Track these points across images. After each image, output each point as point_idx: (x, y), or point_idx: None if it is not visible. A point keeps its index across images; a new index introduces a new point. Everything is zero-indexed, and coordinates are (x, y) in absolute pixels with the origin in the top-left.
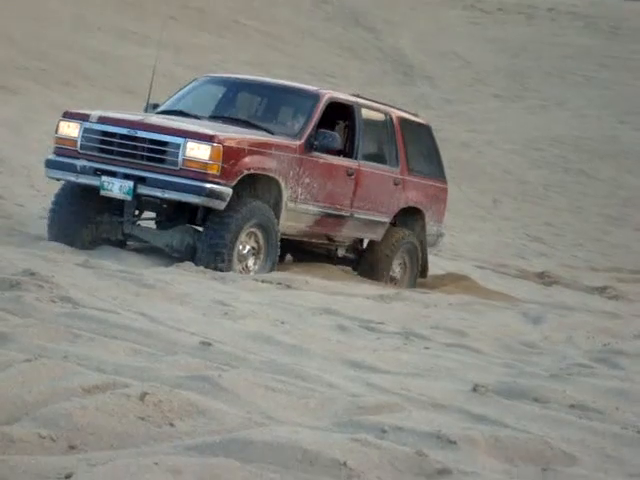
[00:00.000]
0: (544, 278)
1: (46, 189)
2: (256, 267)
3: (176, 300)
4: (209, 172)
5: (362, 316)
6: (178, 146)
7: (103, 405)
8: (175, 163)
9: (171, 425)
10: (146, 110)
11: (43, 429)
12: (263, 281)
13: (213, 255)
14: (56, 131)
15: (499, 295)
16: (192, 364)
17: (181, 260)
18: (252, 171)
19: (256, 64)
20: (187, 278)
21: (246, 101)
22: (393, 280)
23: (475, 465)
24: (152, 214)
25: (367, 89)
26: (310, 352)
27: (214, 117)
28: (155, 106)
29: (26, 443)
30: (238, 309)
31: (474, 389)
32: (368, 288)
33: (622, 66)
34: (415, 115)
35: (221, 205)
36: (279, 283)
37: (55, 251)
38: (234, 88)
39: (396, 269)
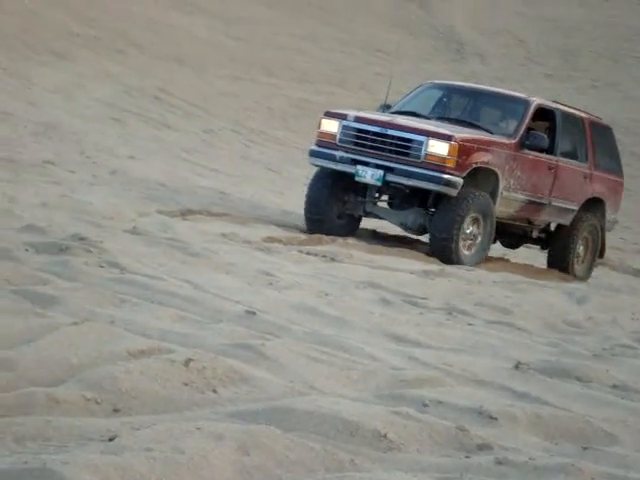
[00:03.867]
0: None
1: (96, 156)
2: (476, 245)
3: (221, 269)
4: (446, 165)
5: (406, 291)
6: (421, 143)
7: (147, 370)
8: (418, 157)
9: (214, 391)
10: (382, 110)
11: (88, 392)
12: (308, 253)
13: (444, 235)
14: (318, 127)
15: (546, 273)
16: (236, 332)
17: (224, 234)
18: (479, 165)
19: (307, 38)
20: (233, 247)
21: (465, 104)
22: (577, 257)
23: (515, 441)
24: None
25: (419, 65)
26: (353, 324)
27: (441, 118)
28: (388, 107)
29: (71, 405)
30: (282, 280)
31: (516, 366)
32: (412, 263)
33: None
34: (600, 119)
35: (454, 192)
36: (324, 256)
37: (104, 217)
38: (455, 93)
39: (580, 248)
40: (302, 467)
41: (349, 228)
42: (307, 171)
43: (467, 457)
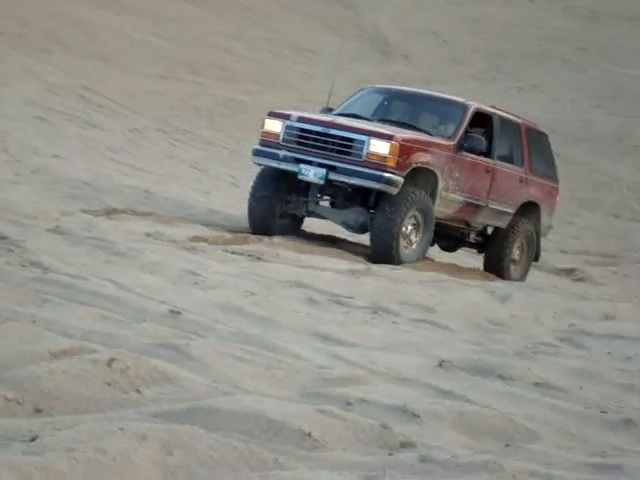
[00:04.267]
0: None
1: (19, 154)
2: (415, 243)
3: (146, 268)
4: (387, 164)
5: (332, 290)
6: (363, 142)
7: (70, 370)
8: (360, 156)
9: (137, 391)
10: (325, 113)
11: (9, 392)
12: (234, 252)
13: (385, 233)
14: (262, 127)
15: (470, 272)
16: (160, 332)
17: (149, 233)
18: (419, 164)
19: (235, 37)
20: (158, 247)
21: (406, 108)
22: (513, 261)
23: (439, 439)
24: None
25: (345, 66)
26: (279, 324)
27: (382, 120)
28: (329, 109)
29: None
30: (208, 279)
31: (440, 364)
32: (339, 262)
33: (599, 50)
34: (536, 125)
35: (394, 191)
36: (250, 255)
37: (27, 216)
38: (395, 97)
39: (515, 252)
40: (226, 467)
41: (292, 228)
42: (233, 170)
43: (390, 455)
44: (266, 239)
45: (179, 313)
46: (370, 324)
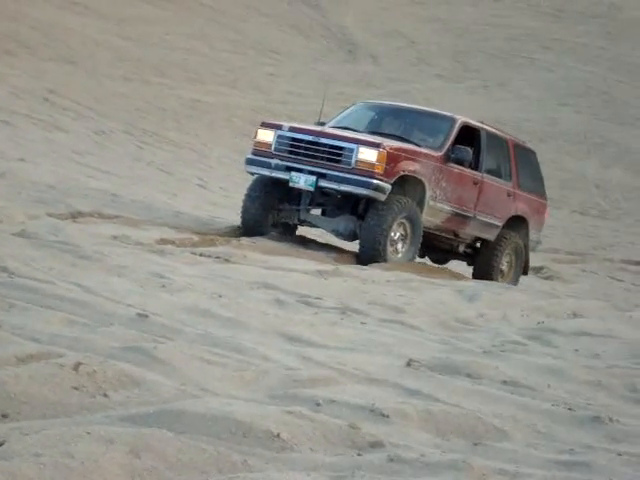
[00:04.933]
0: None
1: None
2: (403, 250)
3: (113, 272)
4: (375, 171)
5: (300, 291)
6: (352, 150)
7: (37, 374)
8: (349, 163)
9: (105, 395)
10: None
11: None
12: (201, 254)
13: (373, 239)
14: (254, 136)
15: (438, 271)
16: (127, 335)
17: (116, 236)
18: (406, 173)
19: (199, 38)
20: (125, 250)
21: (396, 122)
22: (501, 273)
23: (407, 438)
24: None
25: (311, 66)
26: (247, 325)
27: (372, 132)
28: (322, 124)
29: None
30: (175, 282)
31: (408, 364)
32: (307, 263)
33: (565, 49)
34: (524, 142)
35: (382, 197)
36: (217, 257)
37: None
38: (386, 111)
39: (504, 264)
40: (194, 469)
41: (284, 236)
42: (200, 172)
43: (359, 455)
44: (234, 241)
45: (146, 316)
46: (339, 325)
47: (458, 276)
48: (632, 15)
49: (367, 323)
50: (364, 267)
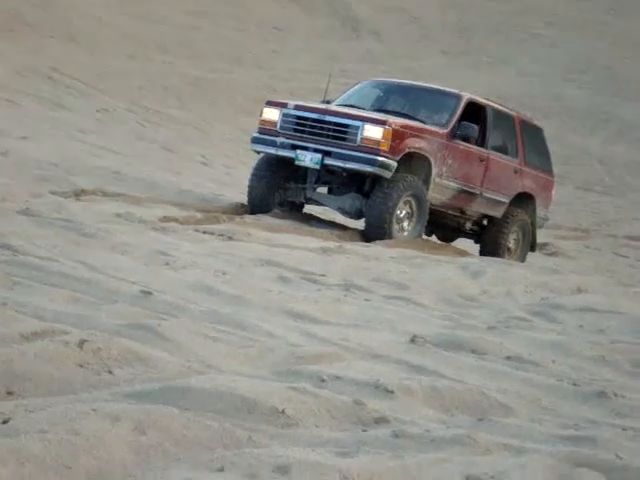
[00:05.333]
0: None
1: None
2: (409, 228)
3: (117, 249)
4: (381, 148)
5: (304, 268)
6: (357, 128)
7: (42, 352)
8: (354, 141)
9: (110, 372)
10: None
11: None
12: (205, 232)
13: (378, 217)
14: (260, 115)
15: (442, 248)
16: (132, 313)
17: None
18: (412, 150)
19: (202, 15)
20: (128, 228)
21: (402, 99)
22: (508, 250)
23: (412, 414)
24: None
25: (314, 43)
26: (251, 302)
27: (378, 110)
28: (327, 102)
29: None
30: (179, 259)
31: (413, 340)
32: (310, 241)
33: (568, 24)
34: (531, 119)
35: (388, 175)
36: (221, 234)
37: None
38: (392, 89)
39: (511, 242)
40: (199, 445)
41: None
42: (203, 150)
43: (364, 431)
44: (237, 218)
45: (151, 293)
46: (342, 301)
47: (462, 253)
48: None
49: (371, 300)
50: (368, 244)
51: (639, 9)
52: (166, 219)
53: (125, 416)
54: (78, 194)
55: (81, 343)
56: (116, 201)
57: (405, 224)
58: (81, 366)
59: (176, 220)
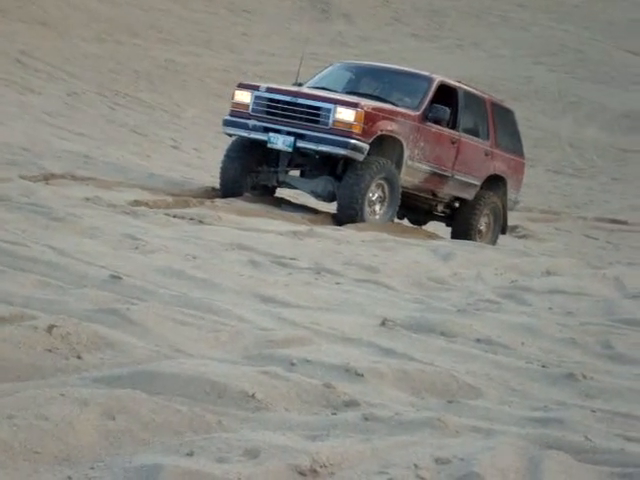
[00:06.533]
0: None
1: None
2: (381, 212)
3: (86, 233)
4: (353, 131)
5: (274, 252)
6: (329, 110)
7: (10, 337)
8: (327, 123)
9: (78, 357)
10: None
11: None
12: (175, 216)
13: (350, 200)
14: (232, 98)
15: (413, 231)
16: (101, 297)
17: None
18: (384, 132)
19: None
20: (98, 212)
21: (374, 82)
22: (480, 233)
23: (382, 397)
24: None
25: (284, 25)
26: (221, 287)
27: (350, 92)
28: (299, 84)
29: None
30: (149, 243)
31: (383, 323)
32: (281, 224)
33: (538, 7)
34: (502, 101)
35: (360, 157)
36: (191, 219)
37: None
38: (363, 72)
39: (482, 224)
40: (169, 430)
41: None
42: (174, 133)
43: (334, 414)
44: (208, 202)
45: (120, 278)
46: (313, 285)
47: (433, 236)
48: None
49: (342, 283)
50: (339, 228)
51: None
52: (136, 203)
53: (94, 401)
54: (47, 178)
55: (50, 328)
56: (85, 185)
57: (377, 207)
58: (50, 351)
59: (146, 204)
